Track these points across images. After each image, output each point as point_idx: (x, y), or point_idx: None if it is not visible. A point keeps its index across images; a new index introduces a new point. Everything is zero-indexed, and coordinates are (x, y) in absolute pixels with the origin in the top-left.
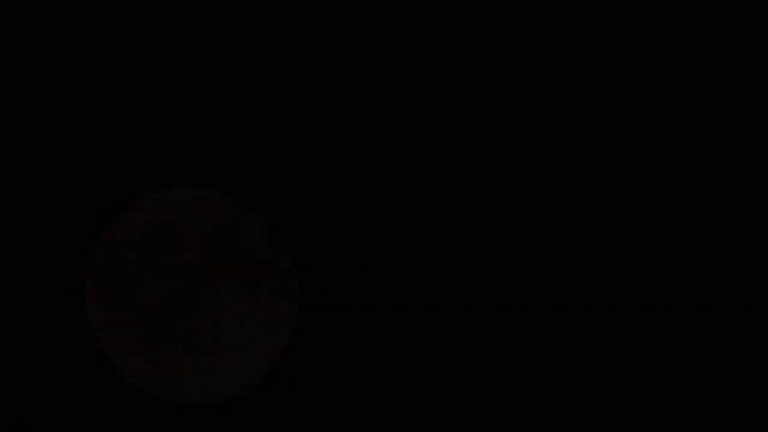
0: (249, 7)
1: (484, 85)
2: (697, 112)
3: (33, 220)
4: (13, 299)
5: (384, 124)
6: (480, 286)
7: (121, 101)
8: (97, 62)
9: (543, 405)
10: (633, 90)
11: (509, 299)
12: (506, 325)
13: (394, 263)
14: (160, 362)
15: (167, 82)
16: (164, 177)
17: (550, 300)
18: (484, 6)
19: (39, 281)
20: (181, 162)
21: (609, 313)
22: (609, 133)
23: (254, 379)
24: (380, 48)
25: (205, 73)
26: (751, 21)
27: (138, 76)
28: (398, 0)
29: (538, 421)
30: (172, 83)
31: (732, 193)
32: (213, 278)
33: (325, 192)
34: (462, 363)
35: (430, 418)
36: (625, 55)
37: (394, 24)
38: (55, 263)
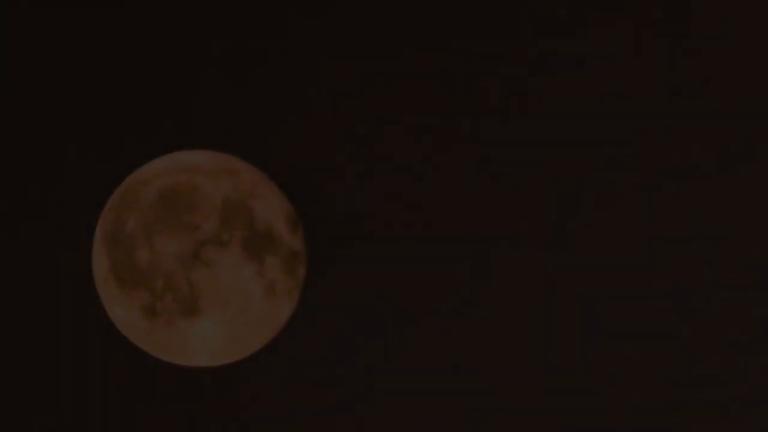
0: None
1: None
2: None
3: (46, 169)
4: (18, 248)
5: (403, 120)
6: (482, 281)
7: (155, 62)
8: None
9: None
10: None
11: (511, 294)
12: (506, 318)
13: (401, 261)
14: (159, 321)
15: (201, 50)
16: (193, 139)
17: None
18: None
19: (46, 231)
20: (215, 127)
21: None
22: None
23: (251, 348)
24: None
25: (239, 40)
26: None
27: (167, 38)
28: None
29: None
30: (206, 50)
31: None
32: (220, 244)
33: (348, 183)
34: (459, 349)
35: (427, 396)
36: None
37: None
38: (65, 214)
